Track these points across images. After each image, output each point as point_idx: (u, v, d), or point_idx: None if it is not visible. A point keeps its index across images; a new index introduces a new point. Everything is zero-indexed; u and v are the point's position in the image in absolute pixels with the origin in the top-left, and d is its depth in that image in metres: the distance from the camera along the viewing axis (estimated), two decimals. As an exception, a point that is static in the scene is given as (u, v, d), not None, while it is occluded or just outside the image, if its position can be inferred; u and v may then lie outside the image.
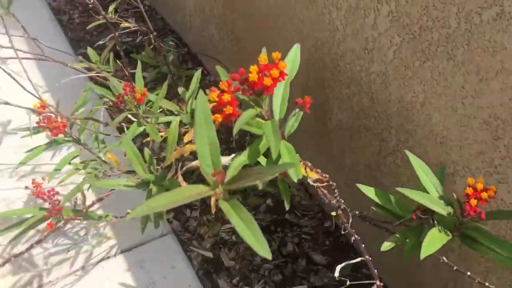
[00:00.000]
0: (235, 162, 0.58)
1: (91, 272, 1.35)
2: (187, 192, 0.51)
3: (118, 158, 1.23)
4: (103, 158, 1.23)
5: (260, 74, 0.55)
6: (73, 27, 2.35)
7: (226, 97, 0.55)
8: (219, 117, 0.55)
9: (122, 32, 2.19)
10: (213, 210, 0.57)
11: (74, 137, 1.19)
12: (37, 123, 1.12)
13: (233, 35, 1.61)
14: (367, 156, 1.17)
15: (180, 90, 1.02)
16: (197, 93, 0.58)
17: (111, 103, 0.92)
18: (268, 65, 0.56)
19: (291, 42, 1.29)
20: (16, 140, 1.70)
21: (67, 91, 1.62)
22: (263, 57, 0.57)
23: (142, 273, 1.34)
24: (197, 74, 0.98)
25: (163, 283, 1.32)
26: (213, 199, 0.55)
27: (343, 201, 0.76)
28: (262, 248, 0.51)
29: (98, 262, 1.37)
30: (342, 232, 0.75)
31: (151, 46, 1.41)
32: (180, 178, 0.69)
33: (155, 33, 1.22)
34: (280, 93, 0.65)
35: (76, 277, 1.34)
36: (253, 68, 0.55)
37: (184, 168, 0.75)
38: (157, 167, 0.86)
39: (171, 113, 0.99)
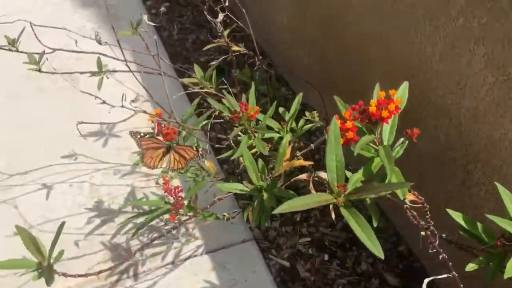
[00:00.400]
0: (353, 178, 0.68)
1: (180, 267, 1.49)
2: (317, 198, 0.62)
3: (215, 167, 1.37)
4: (203, 166, 1.37)
5: (377, 107, 0.65)
6: (171, 42, 2.56)
7: (349, 124, 0.65)
8: (341, 141, 0.66)
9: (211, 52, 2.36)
10: (332, 215, 0.67)
11: (180, 144, 1.34)
12: (153, 129, 1.28)
13: (323, 59, 1.72)
14: (449, 186, 1.23)
15: (281, 110, 1.14)
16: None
17: (227, 118, 1.05)
18: (385, 100, 0.66)
19: (383, 70, 1.39)
20: (118, 142, 1.91)
21: (165, 102, 1.80)
22: (381, 94, 0.67)
23: (225, 274, 1.47)
24: (298, 97, 1.10)
25: (244, 285, 1.44)
26: (331, 206, 0.65)
27: (432, 223, 0.84)
28: (376, 249, 0.60)
29: (186, 259, 1.51)
30: (430, 251, 0.82)
31: (255, 68, 1.55)
32: (311, 186, 0.80)
33: (260, 57, 1.36)
34: (389, 123, 0.75)
35: (166, 270, 1.49)
36: (373, 102, 0.65)
37: (293, 180, 0.85)
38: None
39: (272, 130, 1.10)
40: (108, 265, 1.50)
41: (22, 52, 1.23)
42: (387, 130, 0.75)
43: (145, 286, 1.45)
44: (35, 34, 1.21)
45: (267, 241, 1.59)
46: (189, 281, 1.45)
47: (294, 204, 0.59)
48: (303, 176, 0.87)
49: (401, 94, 0.79)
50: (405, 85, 0.82)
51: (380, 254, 0.61)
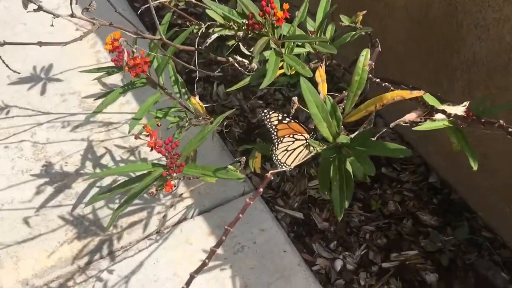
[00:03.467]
0: None
1: (169, 236, 1.17)
2: None
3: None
4: (186, 104, 1.02)
5: None
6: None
7: None
8: None
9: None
10: None
11: (152, 78, 0.98)
12: (113, 60, 0.90)
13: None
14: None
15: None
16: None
17: (236, 28, 0.70)
18: None
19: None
20: (61, 87, 1.50)
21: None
22: None
23: (227, 238, 1.16)
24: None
25: (253, 248, 1.14)
26: None
27: None
28: None
29: (175, 225, 1.19)
30: None
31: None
32: None
33: None
34: None
35: (151, 241, 1.17)
36: None
37: (398, 121, 0.54)
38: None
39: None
40: (75, 244, 1.17)
41: None
42: None
43: (126, 267, 1.13)
44: None
45: (271, 189, 1.29)
46: (183, 252, 1.14)
47: None
48: (413, 115, 0.58)
49: None
50: None
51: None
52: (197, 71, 0.81)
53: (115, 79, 1.46)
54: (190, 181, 1.25)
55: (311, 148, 0.70)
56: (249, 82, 0.73)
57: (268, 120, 0.74)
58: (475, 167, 0.70)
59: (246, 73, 0.73)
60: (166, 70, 1.02)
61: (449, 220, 1.21)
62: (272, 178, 0.65)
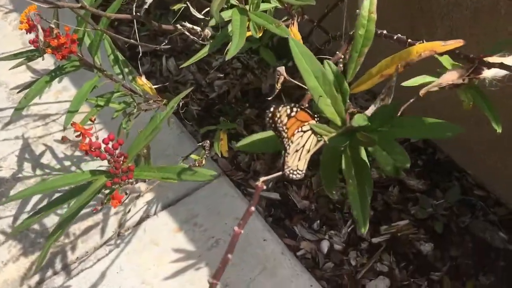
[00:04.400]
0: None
1: (131, 239, 1.02)
2: None
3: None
4: (131, 86, 0.86)
5: None
6: None
7: None
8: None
9: None
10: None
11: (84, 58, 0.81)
12: (31, 42, 0.72)
13: None
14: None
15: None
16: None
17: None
18: None
19: None
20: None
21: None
22: None
23: (198, 232, 1.03)
24: None
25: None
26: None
27: None
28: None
29: (136, 224, 1.04)
30: None
31: None
32: None
33: None
34: None
35: (111, 247, 1.01)
36: None
37: (425, 89, 0.40)
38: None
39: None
40: (21, 262, 1.00)
41: None
42: None
43: (85, 280, 0.97)
44: None
45: (240, 170, 1.16)
46: (149, 255, 1.00)
47: None
48: (454, 75, 0.44)
49: None
50: None
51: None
52: (139, 46, 0.65)
53: (47, 63, 1.27)
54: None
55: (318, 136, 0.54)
56: (208, 52, 0.58)
57: (278, 120, 0.53)
58: (499, 129, 0.59)
59: (200, 42, 0.58)
60: (103, 48, 0.85)
61: (437, 182, 1.11)
62: (264, 187, 0.49)
